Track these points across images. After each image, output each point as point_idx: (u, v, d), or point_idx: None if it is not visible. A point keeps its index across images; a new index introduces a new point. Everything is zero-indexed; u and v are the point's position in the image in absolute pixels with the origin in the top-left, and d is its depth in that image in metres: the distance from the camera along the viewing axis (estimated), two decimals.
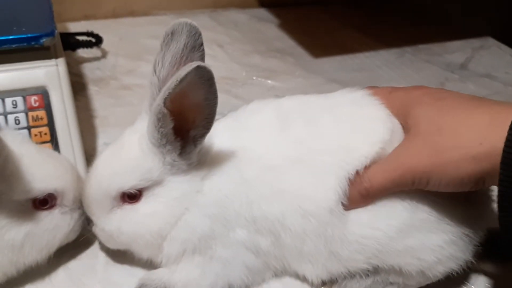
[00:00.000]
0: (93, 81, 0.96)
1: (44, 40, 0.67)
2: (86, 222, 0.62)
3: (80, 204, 0.62)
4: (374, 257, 0.57)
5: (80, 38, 0.97)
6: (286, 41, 1.18)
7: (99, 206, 0.59)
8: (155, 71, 0.57)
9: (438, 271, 0.57)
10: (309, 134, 0.59)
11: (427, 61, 1.14)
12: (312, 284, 0.61)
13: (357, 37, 1.21)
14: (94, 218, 0.60)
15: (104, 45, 1.02)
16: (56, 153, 0.65)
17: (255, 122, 0.62)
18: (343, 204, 0.57)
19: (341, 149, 0.57)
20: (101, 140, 0.81)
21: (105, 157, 0.60)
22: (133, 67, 1.01)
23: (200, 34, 0.57)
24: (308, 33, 1.21)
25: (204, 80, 0.51)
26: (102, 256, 0.64)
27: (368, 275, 0.59)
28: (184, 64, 0.56)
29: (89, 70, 0.98)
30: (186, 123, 0.54)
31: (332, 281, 0.61)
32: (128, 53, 1.05)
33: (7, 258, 0.59)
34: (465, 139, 0.54)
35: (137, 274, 0.61)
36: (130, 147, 0.58)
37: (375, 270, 0.59)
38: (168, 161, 0.57)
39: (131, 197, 0.58)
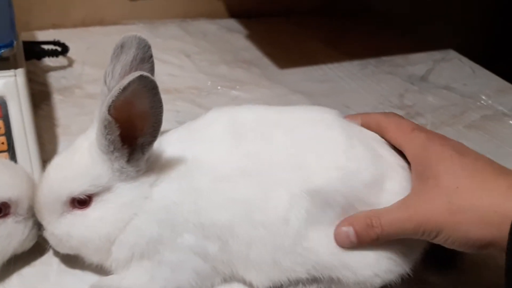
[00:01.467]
0: (58, 90, 0.96)
1: (2, 51, 0.68)
2: (37, 227, 0.63)
3: (34, 213, 0.63)
4: (313, 269, 0.59)
5: (46, 47, 0.98)
6: (253, 52, 1.20)
7: (49, 210, 0.61)
8: (105, 81, 0.60)
9: (376, 282, 0.60)
10: (263, 149, 0.61)
11: (389, 72, 1.18)
12: None
13: (322, 49, 1.24)
14: (44, 222, 0.62)
15: (71, 53, 1.03)
16: (11, 162, 0.67)
17: (209, 132, 0.63)
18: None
19: (295, 166, 0.59)
20: (62, 148, 0.82)
21: (56, 162, 0.62)
22: (99, 76, 0.98)
23: (149, 47, 0.60)
24: (275, 44, 1.24)
25: (148, 89, 0.53)
26: (55, 263, 0.65)
27: (311, 283, 0.61)
28: None
29: (55, 79, 0.99)
30: (133, 131, 0.56)
31: None
32: (95, 62, 1.06)
33: None
34: (481, 203, 0.55)
35: (89, 280, 0.62)
36: (81, 153, 0.60)
37: (316, 279, 0.61)
38: (117, 168, 0.58)
39: (81, 202, 0.60)
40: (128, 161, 0.58)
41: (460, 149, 0.60)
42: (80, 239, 0.61)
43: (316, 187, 0.58)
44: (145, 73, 0.51)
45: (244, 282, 0.63)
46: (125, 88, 0.51)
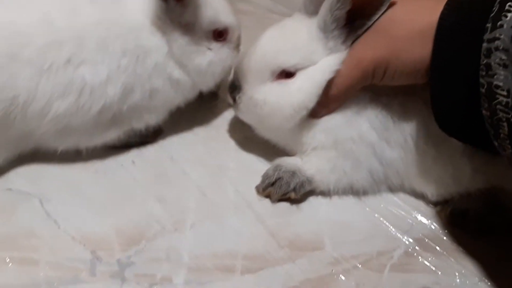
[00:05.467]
0: None
1: None
2: (230, 91, 0.73)
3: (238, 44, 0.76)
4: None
5: None
6: None
7: (256, 75, 0.69)
8: None
9: None
10: None
11: None
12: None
13: None
14: (246, 85, 0.70)
15: None
16: None
17: None
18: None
19: None
20: None
21: (270, 35, 0.70)
22: None
23: None
24: None
25: None
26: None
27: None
28: None
29: None
30: (357, 11, 0.62)
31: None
32: None
33: (188, 91, 0.75)
34: (415, 25, 0.61)
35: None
36: (297, 29, 0.67)
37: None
38: (330, 46, 0.65)
39: (288, 74, 0.67)
40: (344, 41, 0.65)
41: None
42: (273, 107, 0.69)
43: None
44: None
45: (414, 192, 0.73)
46: None
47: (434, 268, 0.67)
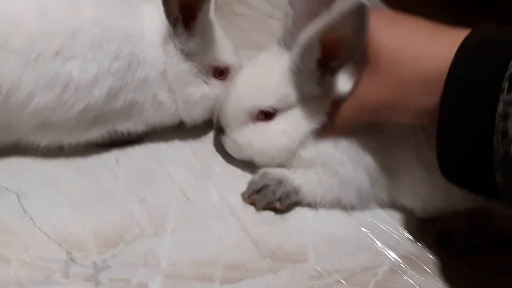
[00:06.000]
0: None
1: None
2: (216, 133, 0.73)
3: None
4: None
5: None
6: None
7: (235, 119, 0.69)
8: (291, 3, 0.65)
9: None
10: None
11: None
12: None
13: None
14: (228, 129, 0.70)
15: None
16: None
17: None
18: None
19: None
20: None
21: (246, 75, 0.70)
22: None
23: None
24: None
25: (360, 17, 0.56)
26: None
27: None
28: None
29: None
30: (329, 55, 0.61)
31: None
32: None
33: (169, 116, 0.74)
34: (422, 68, 0.57)
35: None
36: (271, 70, 0.66)
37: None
38: (306, 89, 0.65)
39: (267, 115, 0.67)
40: (318, 83, 0.64)
41: (390, 19, 0.61)
42: (259, 149, 0.69)
43: None
44: (362, 1, 0.54)
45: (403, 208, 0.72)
46: (343, 16, 0.54)
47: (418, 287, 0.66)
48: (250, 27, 0.82)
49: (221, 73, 0.74)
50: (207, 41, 0.71)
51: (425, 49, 0.57)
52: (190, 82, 0.71)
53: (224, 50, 0.73)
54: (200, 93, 0.72)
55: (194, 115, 0.75)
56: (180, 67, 0.70)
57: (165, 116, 0.74)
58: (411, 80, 0.57)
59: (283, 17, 0.67)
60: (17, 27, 0.62)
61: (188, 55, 0.71)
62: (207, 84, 0.73)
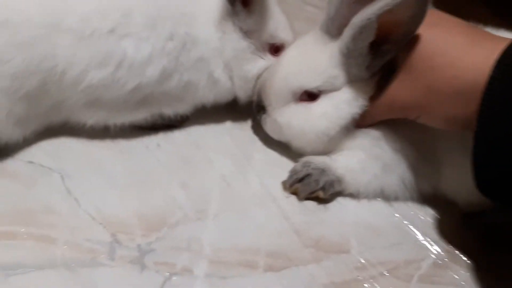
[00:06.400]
0: None
1: None
2: (256, 110, 0.73)
3: None
4: None
5: None
6: None
7: (278, 98, 0.68)
8: None
9: None
10: None
11: None
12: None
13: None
14: (269, 108, 0.70)
15: None
16: None
17: None
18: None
19: None
20: None
21: (292, 55, 0.69)
22: None
23: None
24: None
25: (422, 1, 0.56)
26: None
27: None
28: None
29: None
30: (382, 39, 0.59)
31: None
32: None
33: (223, 94, 0.74)
34: (457, 80, 0.56)
35: None
36: (318, 51, 0.66)
37: None
38: (353, 72, 0.64)
39: (311, 96, 0.67)
40: (368, 67, 0.63)
41: (429, 18, 0.59)
42: (297, 131, 0.68)
43: None
44: None
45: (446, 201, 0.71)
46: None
47: (463, 283, 0.65)
48: (286, 14, 0.81)
49: (276, 49, 0.75)
50: (265, 18, 0.71)
51: (462, 56, 0.56)
52: (248, 59, 0.72)
53: (281, 27, 0.73)
54: (258, 70, 0.73)
55: (249, 91, 0.75)
56: (239, 44, 0.71)
57: (220, 94, 0.74)
58: (444, 88, 0.56)
59: (327, 4, 0.67)
60: (71, 6, 0.62)
61: (246, 33, 0.71)
62: (263, 59, 0.74)
